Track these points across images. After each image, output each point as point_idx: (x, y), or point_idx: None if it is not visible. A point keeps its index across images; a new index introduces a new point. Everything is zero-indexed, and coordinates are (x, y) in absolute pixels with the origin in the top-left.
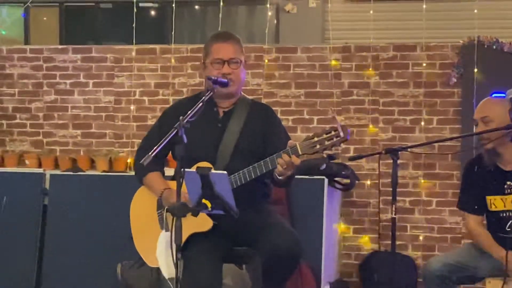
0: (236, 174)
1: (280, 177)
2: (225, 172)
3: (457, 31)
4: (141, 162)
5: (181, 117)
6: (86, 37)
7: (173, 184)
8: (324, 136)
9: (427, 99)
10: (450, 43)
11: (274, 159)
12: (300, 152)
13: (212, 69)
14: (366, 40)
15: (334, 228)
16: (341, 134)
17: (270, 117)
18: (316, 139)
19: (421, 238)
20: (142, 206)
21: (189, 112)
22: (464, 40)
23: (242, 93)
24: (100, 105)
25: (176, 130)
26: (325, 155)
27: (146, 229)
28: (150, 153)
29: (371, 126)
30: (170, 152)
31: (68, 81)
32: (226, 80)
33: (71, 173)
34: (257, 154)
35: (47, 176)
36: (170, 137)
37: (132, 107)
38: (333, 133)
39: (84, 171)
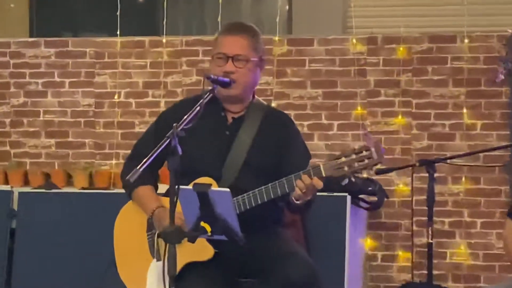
0: (245, 195)
1: (297, 202)
2: (228, 189)
3: (505, 18)
4: (127, 178)
5: (174, 124)
6: (61, 28)
7: (166, 202)
8: (354, 156)
9: (469, 100)
10: (497, 33)
11: (292, 181)
12: (323, 174)
13: (214, 65)
14: (396, 29)
15: (359, 255)
16: (374, 155)
17: (288, 128)
18: (343, 159)
19: (463, 266)
20: (129, 226)
21: (185, 117)
22: None
23: (256, 96)
24: (78, 109)
25: (168, 140)
26: (353, 178)
27: (133, 254)
28: (138, 168)
29: (402, 132)
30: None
31: (40, 81)
32: (228, 79)
33: (44, 190)
34: (270, 172)
35: (15, 195)
36: (161, 148)
37: (117, 111)
38: (364, 153)
39: (59, 188)
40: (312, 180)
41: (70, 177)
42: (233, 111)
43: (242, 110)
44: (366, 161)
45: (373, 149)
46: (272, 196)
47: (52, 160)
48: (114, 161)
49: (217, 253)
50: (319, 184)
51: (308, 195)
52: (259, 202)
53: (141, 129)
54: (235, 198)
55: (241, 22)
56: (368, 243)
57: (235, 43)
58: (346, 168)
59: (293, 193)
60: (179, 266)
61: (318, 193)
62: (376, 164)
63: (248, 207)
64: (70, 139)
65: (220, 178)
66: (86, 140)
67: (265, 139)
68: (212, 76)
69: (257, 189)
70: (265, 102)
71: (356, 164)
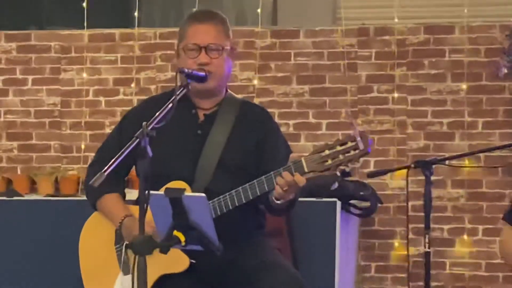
0: (221, 197)
1: (279, 202)
2: (204, 194)
3: (508, 7)
4: (90, 183)
5: (144, 123)
6: (23, 20)
7: (136, 210)
8: (338, 148)
9: (469, 96)
10: (499, 23)
11: (272, 179)
12: (306, 169)
13: (186, 58)
14: (390, 21)
15: (351, 267)
16: (360, 145)
17: (265, 123)
18: (327, 152)
19: (464, 277)
20: (96, 239)
21: (156, 115)
22: None
23: (229, 91)
24: (43, 108)
25: (138, 140)
26: (338, 172)
27: (100, 269)
28: (103, 171)
29: (397, 131)
30: (134, 168)
31: (0, 78)
32: (203, 73)
33: (5, 198)
34: (248, 172)
35: None
36: (129, 149)
37: (85, 110)
38: (349, 144)
39: (22, 195)
40: (294, 176)
41: (34, 183)
42: (205, 108)
43: (215, 105)
44: (352, 152)
45: (359, 139)
46: (251, 197)
47: (14, 164)
48: (82, 166)
49: (193, 264)
50: (302, 180)
51: (289, 193)
52: (237, 204)
53: (111, 130)
54: (210, 202)
55: (208, 10)
56: (360, 253)
57: (206, 32)
58: (330, 161)
59: (274, 192)
60: (152, 280)
61: (305, 199)
62: (362, 155)
63: (225, 211)
64: (33, 141)
65: (193, 181)
66: (52, 143)
67: (240, 136)
68: (186, 70)
69: (234, 190)
70: (238, 96)
71: (341, 157)
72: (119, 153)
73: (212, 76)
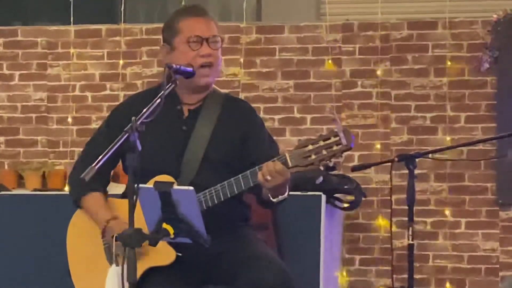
0: (206, 191)
1: (274, 200)
2: (192, 188)
3: (490, 2)
4: (82, 176)
5: (133, 118)
6: (9, 16)
7: (124, 204)
8: (321, 143)
9: (452, 91)
10: (481, 18)
11: (256, 173)
12: (290, 164)
13: (187, 50)
14: (373, 16)
15: (335, 259)
16: (343, 141)
17: (249, 117)
18: (310, 147)
19: (447, 270)
20: (83, 232)
21: (144, 110)
22: (499, 14)
23: (213, 85)
24: (30, 103)
25: (127, 135)
26: (321, 167)
27: (88, 262)
28: (93, 165)
29: (380, 126)
30: (121, 163)
31: None
32: (191, 69)
33: None
34: (233, 166)
35: None
36: (119, 143)
37: (71, 105)
38: (332, 139)
39: (9, 190)
40: (275, 165)
41: (22, 178)
42: (190, 103)
43: (200, 100)
44: (335, 147)
45: (341, 134)
46: (236, 191)
47: (2, 159)
48: (68, 160)
49: (180, 257)
50: (283, 170)
51: (274, 183)
52: (222, 198)
53: (98, 125)
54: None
55: (197, 5)
56: (344, 246)
57: (206, 24)
58: (313, 156)
59: (264, 190)
60: (138, 272)
61: (290, 193)
62: (345, 151)
63: (210, 205)
64: (20, 136)
65: (179, 175)
66: (38, 138)
67: (225, 131)
68: (174, 66)
69: (219, 185)
70: (222, 91)
71: (324, 152)
72: (109, 148)
73: (212, 69)
